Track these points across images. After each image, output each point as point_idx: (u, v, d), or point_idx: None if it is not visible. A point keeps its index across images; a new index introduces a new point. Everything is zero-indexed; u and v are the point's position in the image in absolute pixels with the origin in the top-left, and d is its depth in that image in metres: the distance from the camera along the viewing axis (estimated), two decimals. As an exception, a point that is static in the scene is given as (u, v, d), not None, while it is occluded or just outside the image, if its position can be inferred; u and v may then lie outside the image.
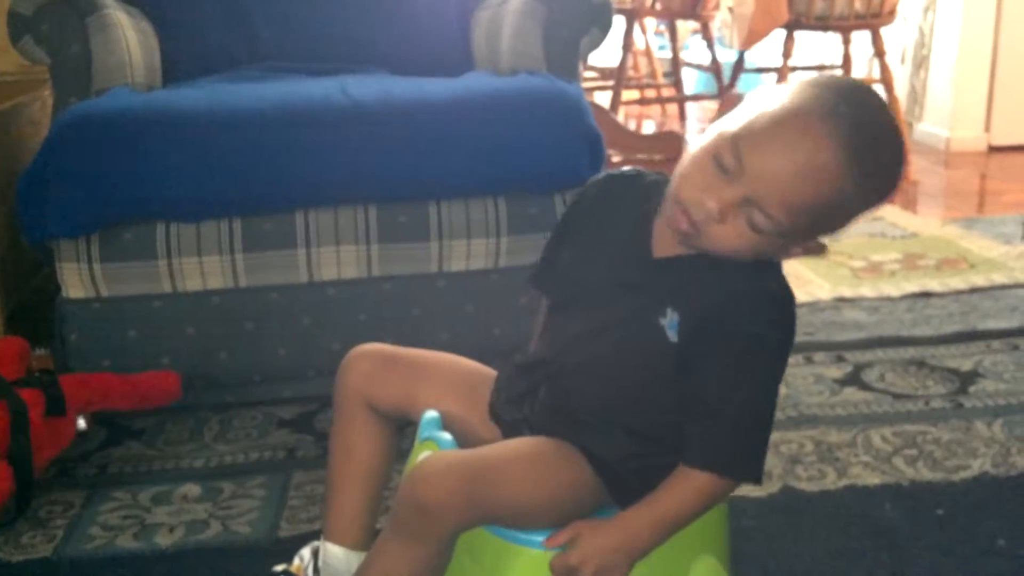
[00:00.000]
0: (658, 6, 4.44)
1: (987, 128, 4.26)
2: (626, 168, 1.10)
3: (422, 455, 1.02)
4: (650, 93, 4.98)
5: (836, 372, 1.97)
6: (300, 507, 1.52)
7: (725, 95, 3.93)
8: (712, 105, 4.99)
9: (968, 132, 4.25)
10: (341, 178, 1.74)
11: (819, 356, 2.05)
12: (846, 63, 4.40)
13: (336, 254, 1.79)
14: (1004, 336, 2.14)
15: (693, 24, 4.88)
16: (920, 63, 4.45)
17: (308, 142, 1.73)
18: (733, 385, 0.96)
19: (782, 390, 1.86)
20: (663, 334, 0.98)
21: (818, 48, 5.08)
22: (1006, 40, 4.16)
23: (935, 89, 4.38)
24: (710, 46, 4.49)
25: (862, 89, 0.96)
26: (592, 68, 4.97)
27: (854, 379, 1.94)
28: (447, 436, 1.06)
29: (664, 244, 1.01)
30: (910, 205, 3.42)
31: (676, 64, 4.75)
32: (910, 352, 2.07)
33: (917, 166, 4.00)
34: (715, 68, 4.49)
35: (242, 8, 2.29)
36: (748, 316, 0.96)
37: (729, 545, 1.13)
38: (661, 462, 1.00)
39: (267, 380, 1.87)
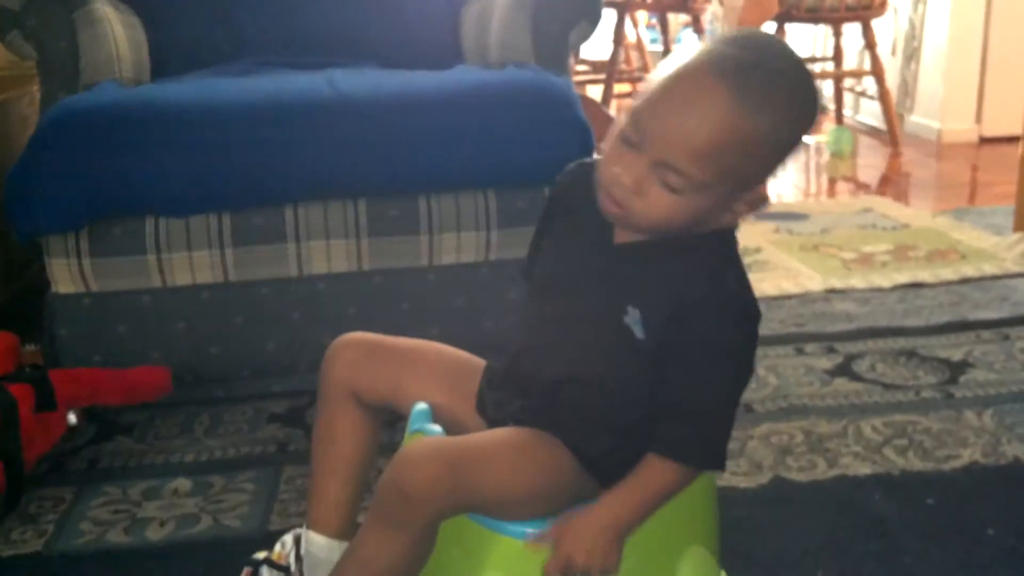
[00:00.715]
0: (649, -1, 4.45)
1: (978, 120, 4.27)
2: (597, 156, 1.10)
3: (410, 445, 1.02)
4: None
5: (827, 363, 1.98)
6: (291, 501, 1.52)
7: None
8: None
9: (959, 124, 4.26)
10: (330, 172, 1.74)
11: (810, 347, 2.05)
12: (837, 55, 4.42)
13: (326, 248, 1.79)
14: (994, 326, 2.15)
15: (684, 17, 4.88)
16: (911, 55, 4.46)
17: (297, 136, 1.73)
18: (699, 385, 0.98)
19: (773, 381, 1.88)
20: (629, 331, 0.99)
21: (809, 40, 5.09)
22: (996, 32, 4.17)
23: (926, 81, 4.38)
24: (701, 39, 4.49)
25: (750, 32, 0.98)
26: (584, 61, 4.97)
27: (845, 370, 1.94)
28: (437, 428, 1.05)
29: (623, 230, 1.02)
30: (901, 196, 3.43)
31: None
32: (900, 343, 2.07)
33: (908, 157, 4.01)
34: (706, 61, 4.49)
35: (230, 2, 2.29)
36: (711, 323, 0.97)
37: (719, 535, 1.13)
38: (644, 451, 1.01)
39: (257, 374, 1.87)
